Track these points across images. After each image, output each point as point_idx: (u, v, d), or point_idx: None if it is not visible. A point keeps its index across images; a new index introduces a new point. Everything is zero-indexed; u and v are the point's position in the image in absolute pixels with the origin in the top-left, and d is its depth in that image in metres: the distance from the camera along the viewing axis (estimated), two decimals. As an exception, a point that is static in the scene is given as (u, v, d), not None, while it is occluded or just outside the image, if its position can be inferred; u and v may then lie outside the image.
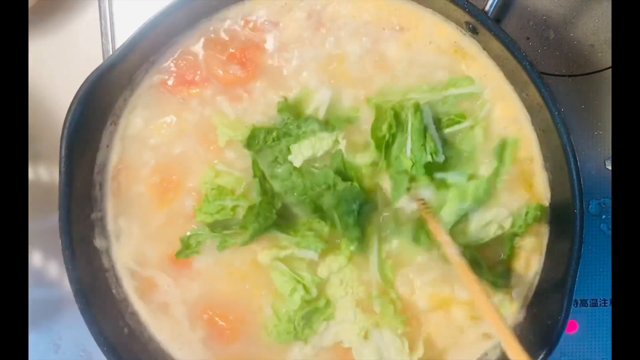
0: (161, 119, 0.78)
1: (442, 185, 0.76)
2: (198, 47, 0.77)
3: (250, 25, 0.77)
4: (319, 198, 0.76)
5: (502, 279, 0.76)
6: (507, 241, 0.77)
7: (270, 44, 0.77)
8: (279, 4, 0.77)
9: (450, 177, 0.75)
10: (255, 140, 0.76)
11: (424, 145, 0.73)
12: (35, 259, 0.89)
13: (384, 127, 0.74)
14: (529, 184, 0.77)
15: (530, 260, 0.77)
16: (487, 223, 0.76)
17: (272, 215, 0.75)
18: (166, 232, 0.78)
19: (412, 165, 0.74)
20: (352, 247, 0.76)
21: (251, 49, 0.77)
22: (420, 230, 0.76)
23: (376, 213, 0.77)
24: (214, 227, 0.77)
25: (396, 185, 0.76)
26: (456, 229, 0.76)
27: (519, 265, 0.78)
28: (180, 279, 0.79)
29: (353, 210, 0.75)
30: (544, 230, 0.77)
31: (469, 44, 0.76)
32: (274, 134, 0.76)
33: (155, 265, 0.79)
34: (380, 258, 0.77)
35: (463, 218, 0.76)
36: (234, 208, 0.76)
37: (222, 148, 0.77)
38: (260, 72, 0.77)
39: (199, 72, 0.77)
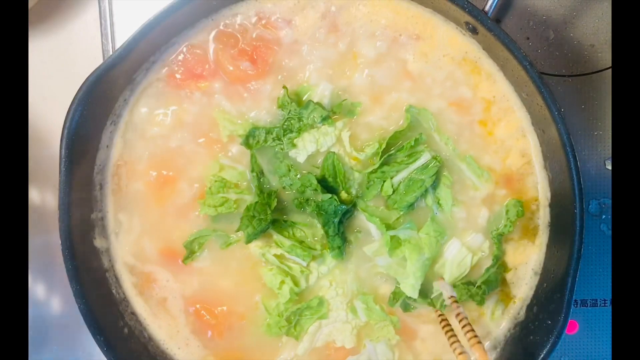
0: (164, 112, 0.78)
1: (395, 243, 0.76)
2: (208, 41, 0.77)
3: (263, 21, 0.77)
4: (306, 202, 0.76)
5: (491, 283, 0.77)
6: (494, 244, 0.77)
7: (282, 42, 0.77)
8: (292, 2, 0.77)
9: (401, 233, 0.76)
10: (255, 139, 0.76)
11: (414, 196, 0.75)
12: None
13: (404, 140, 0.76)
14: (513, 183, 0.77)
15: (530, 260, 0.77)
16: (463, 258, 0.76)
17: (267, 217, 0.75)
18: (165, 227, 0.79)
19: (389, 197, 0.75)
20: (331, 254, 0.76)
21: (263, 45, 0.77)
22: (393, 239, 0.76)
23: (357, 220, 0.78)
24: (217, 220, 0.77)
25: (370, 186, 0.76)
26: (433, 278, 0.77)
27: (518, 266, 0.78)
28: (179, 274, 0.79)
29: (333, 222, 0.75)
30: (544, 230, 0.77)
31: (479, 57, 0.76)
32: (274, 133, 0.76)
33: (154, 260, 0.79)
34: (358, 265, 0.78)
35: (439, 265, 0.77)
36: (237, 201, 0.77)
37: (225, 144, 0.77)
38: (270, 69, 0.77)
39: (207, 66, 0.77)
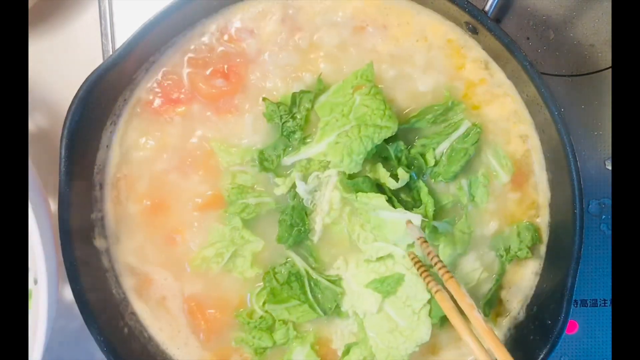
0: (149, 139, 0.78)
1: (434, 232, 0.75)
2: (181, 65, 0.77)
3: (226, 36, 0.76)
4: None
5: (492, 303, 0.77)
6: (499, 265, 0.77)
7: (247, 53, 0.76)
8: (255, 11, 0.76)
9: (441, 226, 0.75)
10: (269, 160, 0.76)
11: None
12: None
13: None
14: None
15: (529, 260, 0.77)
16: (473, 270, 0.77)
17: (306, 226, 0.75)
18: (165, 253, 0.79)
19: (432, 168, 0.75)
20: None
21: (231, 60, 0.76)
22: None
23: None
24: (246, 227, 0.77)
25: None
26: None
27: (512, 285, 0.78)
28: (182, 275, 0.79)
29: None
30: (544, 230, 0.77)
31: (463, 40, 0.76)
32: (282, 145, 0.75)
33: (155, 262, 0.79)
34: None
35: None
36: (257, 205, 0.76)
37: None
38: (244, 82, 0.76)
39: (183, 90, 0.77)
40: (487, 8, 0.74)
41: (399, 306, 0.75)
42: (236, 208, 0.76)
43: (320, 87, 0.75)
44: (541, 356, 0.69)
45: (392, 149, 0.74)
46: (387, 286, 0.74)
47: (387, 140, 0.73)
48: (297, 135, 0.75)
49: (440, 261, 0.69)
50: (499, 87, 0.76)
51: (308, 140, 0.75)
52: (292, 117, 0.75)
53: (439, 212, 0.76)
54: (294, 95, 0.75)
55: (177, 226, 0.78)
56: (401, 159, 0.75)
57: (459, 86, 0.76)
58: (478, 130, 0.75)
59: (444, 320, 0.76)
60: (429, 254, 0.70)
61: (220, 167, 0.77)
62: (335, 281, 0.76)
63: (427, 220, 0.74)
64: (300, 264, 0.76)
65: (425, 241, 0.72)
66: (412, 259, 0.73)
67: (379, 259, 0.75)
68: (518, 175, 0.77)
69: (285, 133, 0.75)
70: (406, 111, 0.76)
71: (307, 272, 0.76)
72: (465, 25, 0.73)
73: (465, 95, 0.76)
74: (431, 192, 0.75)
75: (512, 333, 0.77)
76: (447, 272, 0.68)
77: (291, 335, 0.77)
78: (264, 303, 0.77)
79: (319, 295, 0.76)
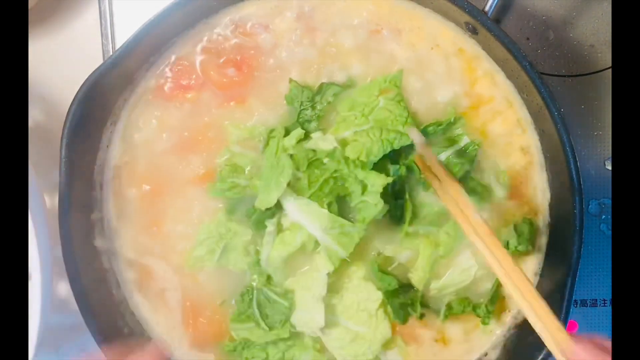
0: (155, 124, 0.78)
1: (413, 236, 0.74)
2: (194, 53, 0.77)
3: (240, 30, 0.77)
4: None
5: (495, 300, 0.77)
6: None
7: (262, 47, 0.76)
8: (269, 6, 0.76)
9: (421, 229, 0.74)
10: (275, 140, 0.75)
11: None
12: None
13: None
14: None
15: (529, 260, 0.77)
16: (468, 267, 0.76)
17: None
18: (164, 241, 0.79)
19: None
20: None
21: (245, 52, 0.76)
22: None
23: None
24: (232, 212, 0.76)
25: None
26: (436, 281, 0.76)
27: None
28: (181, 269, 0.78)
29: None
30: (543, 231, 0.77)
31: (472, 47, 0.76)
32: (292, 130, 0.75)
33: (154, 253, 0.78)
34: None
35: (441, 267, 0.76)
36: (247, 187, 0.75)
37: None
38: (256, 74, 0.76)
39: (194, 76, 0.77)
40: (487, 8, 0.74)
41: (352, 314, 0.73)
42: (225, 185, 0.75)
43: (349, 84, 0.75)
44: (541, 356, 0.69)
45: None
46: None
47: None
48: (313, 125, 0.74)
49: (442, 165, 0.70)
50: (502, 96, 0.76)
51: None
52: (312, 107, 0.74)
53: (428, 216, 0.75)
54: (321, 85, 0.74)
55: (176, 216, 0.78)
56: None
57: (465, 103, 0.76)
58: (476, 147, 0.74)
59: (447, 314, 0.75)
60: (430, 158, 0.71)
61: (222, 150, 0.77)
62: (285, 294, 0.74)
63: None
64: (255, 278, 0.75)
65: (428, 145, 0.72)
66: (419, 161, 0.72)
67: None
68: (517, 177, 0.76)
69: (300, 120, 0.75)
70: (423, 125, 0.75)
71: (256, 287, 0.75)
72: (465, 25, 0.73)
73: (464, 113, 0.76)
74: (412, 198, 0.74)
75: (512, 333, 0.77)
76: (449, 176, 0.69)
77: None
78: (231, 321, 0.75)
79: (267, 310, 0.74)
